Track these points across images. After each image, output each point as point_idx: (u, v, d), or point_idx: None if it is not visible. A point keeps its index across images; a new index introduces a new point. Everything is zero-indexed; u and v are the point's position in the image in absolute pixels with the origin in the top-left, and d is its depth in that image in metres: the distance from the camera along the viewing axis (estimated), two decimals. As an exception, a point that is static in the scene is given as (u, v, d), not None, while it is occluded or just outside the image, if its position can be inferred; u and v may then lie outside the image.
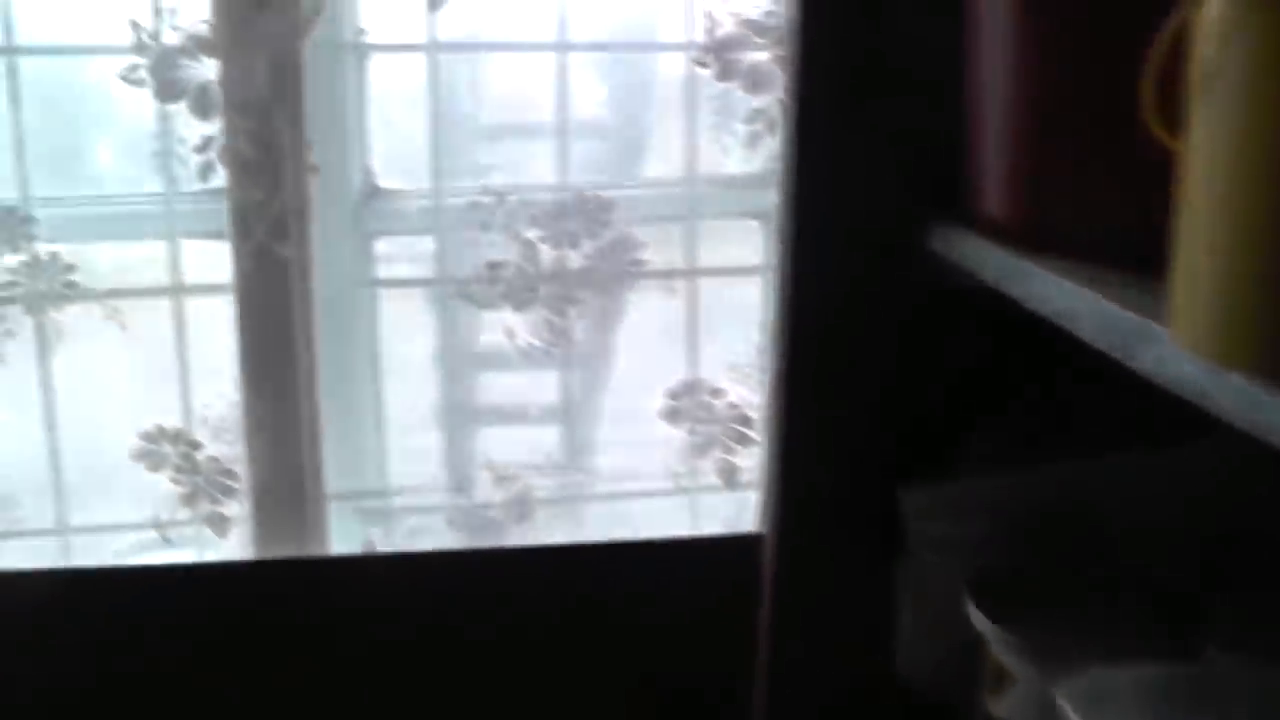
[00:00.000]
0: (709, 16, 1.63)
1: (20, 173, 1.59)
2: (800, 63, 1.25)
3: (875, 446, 1.33)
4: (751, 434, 1.73)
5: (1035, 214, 1.08)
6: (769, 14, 1.63)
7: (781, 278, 1.32)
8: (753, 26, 1.63)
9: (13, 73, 1.57)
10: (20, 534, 1.68)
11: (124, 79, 1.53)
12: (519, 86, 1.76)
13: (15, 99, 1.58)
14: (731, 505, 1.76)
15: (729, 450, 1.73)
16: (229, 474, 1.66)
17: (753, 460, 1.73)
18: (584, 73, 1.72)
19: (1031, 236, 1.07)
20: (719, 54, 1.64)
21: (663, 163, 1.76)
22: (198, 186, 1.58)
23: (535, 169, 1.70)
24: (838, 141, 1.26)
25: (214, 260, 1.62)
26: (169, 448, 1.65)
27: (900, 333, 1.30)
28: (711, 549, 1.66)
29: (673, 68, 1.72)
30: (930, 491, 1.26)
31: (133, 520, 1.68)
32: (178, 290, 1.65)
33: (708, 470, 1.75)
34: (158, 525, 1.67)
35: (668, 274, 1.72)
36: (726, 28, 1.63)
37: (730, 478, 1.74)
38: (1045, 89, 1.05)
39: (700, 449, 1.74)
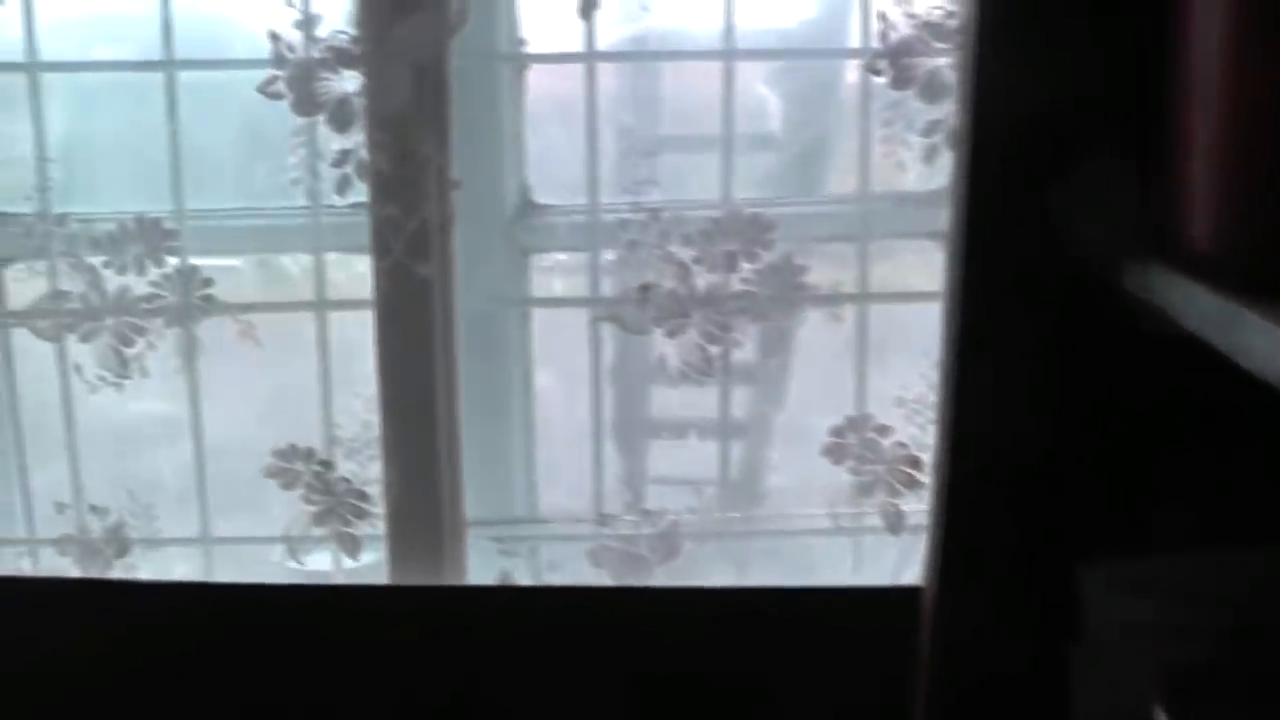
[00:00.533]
0: (883, 19, 1.50)
1: (176, 186, 1.57)
2: (976, 81, 1.11)
3: (1056, 509, 1.18)
4: (920, 478, 1.58)
5: (1254, 248, 0.92)
6: (949, 15, 1.48)
7: (954, 314, 1.18)
8: (930, 30, 1.49)
9: (171, 84, 1.55)
10: (158, 543, 1.66)
11: (262, 92, 1.49)
12: (682, 96, 1.66)
13: (173, 111, 1.56)
14: (897, 552, 1.62)
15: (895, 493, 1.59)
16: (362, 495, 1.60)
17: (921, 505, 1.59)
18: (749, 82, 1.61)
19: (1248, 276, 0.90)
20: (894, 60, 1.51)
21: (832, 177, 1.64)
22: (336, 201, 1.53)
23: (697, 183, 1.60)
24: (1015, 166, 1.12)
25: (356, 276, 1.57)
26: (301, 466, 1.60)
27: (1089, 384, 1.15)
28: (867, 600, 1.53)
29: (844, 75, 1.60)
30: (1116, 566, 1.11)
31: (266, 535, 1.65)
32: (320, 305, 1.61)
33: (872, 513, 1.62)
34: (289, 542, 1.62)
35: (833, 299, 1.58)
36: (902, 31, 1.49)
37: (895, 523, 1.60)
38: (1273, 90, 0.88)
39: (864, 490, 1.60)
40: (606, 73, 1.57)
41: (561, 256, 1.67)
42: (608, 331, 1.60)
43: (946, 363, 1.20)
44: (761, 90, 1.64)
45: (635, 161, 1.59)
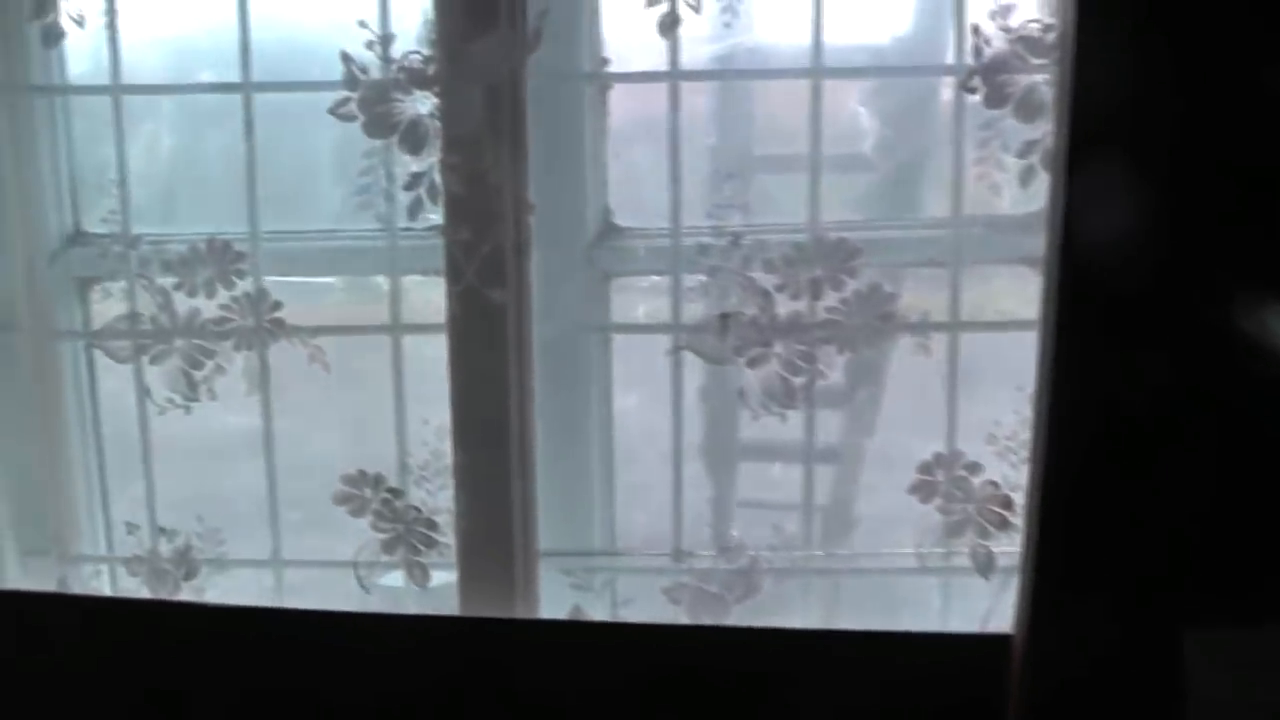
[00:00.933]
0: (977, 33, 1.42)
1: (251, 209, 1.55)
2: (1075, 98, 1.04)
3: (1161, 572, 1.11)
4: (1012, 519, 1.50)
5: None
6: (1046, 29, 1.40)
7: (1048, 346, 1.11)
8: (1027, 44, 1.41)
9: (247, 105, 1.54)
10: (224, 565, 1.65)
11: (333, 113, 1.46)
12: (769, 116, 1.60)
13: (249, 132, 1.54)
14: (986, 594, 1.54)
15: (985, 534, 1.51)
16: (430, 524, 1.57)
17: (1013, 547, 1.51)
18: (840, 101, 1.55)
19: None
20: (988, 77, 1.43)
21: (923, 199, 1.57)
22: (407, 224, 1.50)
23: (784, 206, 1.54)
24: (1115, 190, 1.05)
25: (426, 300, 1.54)
26: (370, 493, 1.57)
27: (1205, 436, 1.07)
28: (953, 647, 1.45)
29: (938, 93, 1.53)
30: (1225, 637, 1.03)
31: (334, 560, 1.62)
32: (393, 329, 1.58)
33: (961, 553, 1.54)
34: (356, 568, 1.60)
35: (922, 327, 1.51)
36: (997, 46, 1.42)
37: (986, 565, 1.52)
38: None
39: (953, 529, 1.53)
40: (692, 92, 1.52)
41: (643, 280, 1.61)
42: (690, 357, 1.54)
43: (1040, 396, 1.13)
44: (853, 109, 1.58)
45: (719, 183, 1.54)
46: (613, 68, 1.54)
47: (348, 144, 1.49)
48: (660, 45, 1.50)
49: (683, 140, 1.51)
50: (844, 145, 1.55)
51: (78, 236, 1.67)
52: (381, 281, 1.57)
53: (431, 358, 1.54)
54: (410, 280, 1.57)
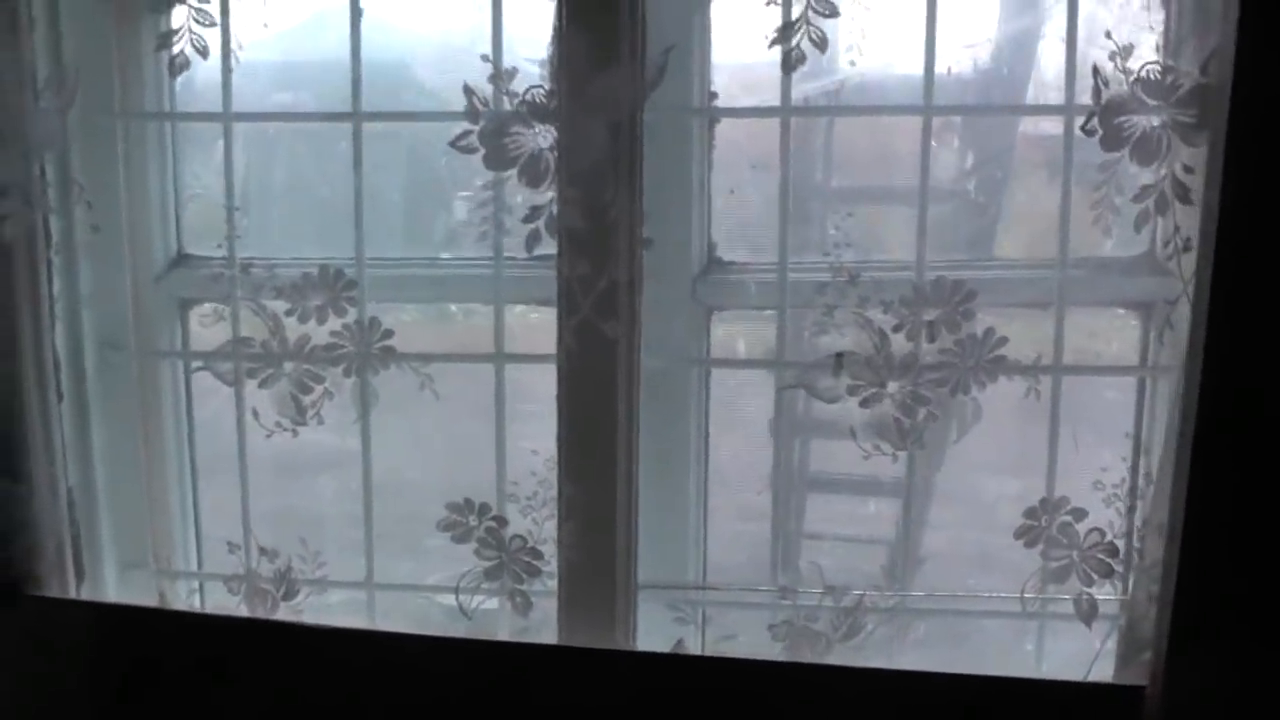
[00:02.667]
0: (1097, 74, 1.40)
1: (357, 238, 1.56)
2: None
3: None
4: (1117, 566, 1.49)
5: None
6: (1166, 70, 1.38)
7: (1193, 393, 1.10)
8: (1146, 87, 1.39)
9: (356, 135, 1.55)
10: (323, 585, 1.66)
11: (454, 146, 1.47)
12: (870, 152, 1.60)
13: (358, 162, 1.55)
14: (1085, 643, 1.53)
15: (1089, 581, 1.50)
16: (535, 554, 1.57)
17: (1114, 595, 1.50)
18: (946, 138, 1.55)
19: None
20: (1106, 118, 1.41)
21: (1028, 241, 1.56)
22: (538, 254, 1.50)
23: (889, 244, 1.53)
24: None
25: (535, 331, 1.54)
26: (474, 520, 1.58)
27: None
28: (1079, 696, 1.42)
29: (1046, 131, 1.52)
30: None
31: (434, 584, 1.64)
32: (501, 358, 1.58)
33: (1065, 599, 1.52)
34: (457, 594, 1.60)
35: (1034, 370, 1.49)
36: (1115, 89, 1.40)
37: (1089, 613, 1.50)
38: None
39: (1056, 575, 1.51)
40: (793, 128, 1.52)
41: (747, 315, 1.61)
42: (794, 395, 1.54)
43: (1184, 443, 1.12)
44: (954, 146, 1.58)
45: (826, 219, 1.54)
46: (723, 102, 1.54)
47: (453, 176, 1.50)
48: (764, 81, 1.51)
49: (788, 175, 1.51)
50: (948, 183, 1.55)
51: (181, 259, 1.70)
52: (483, 310, 1.57)
53: (529, 386, 1.55)
54: (515, 310, 1.57)
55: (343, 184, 1.56)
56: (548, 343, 1.51)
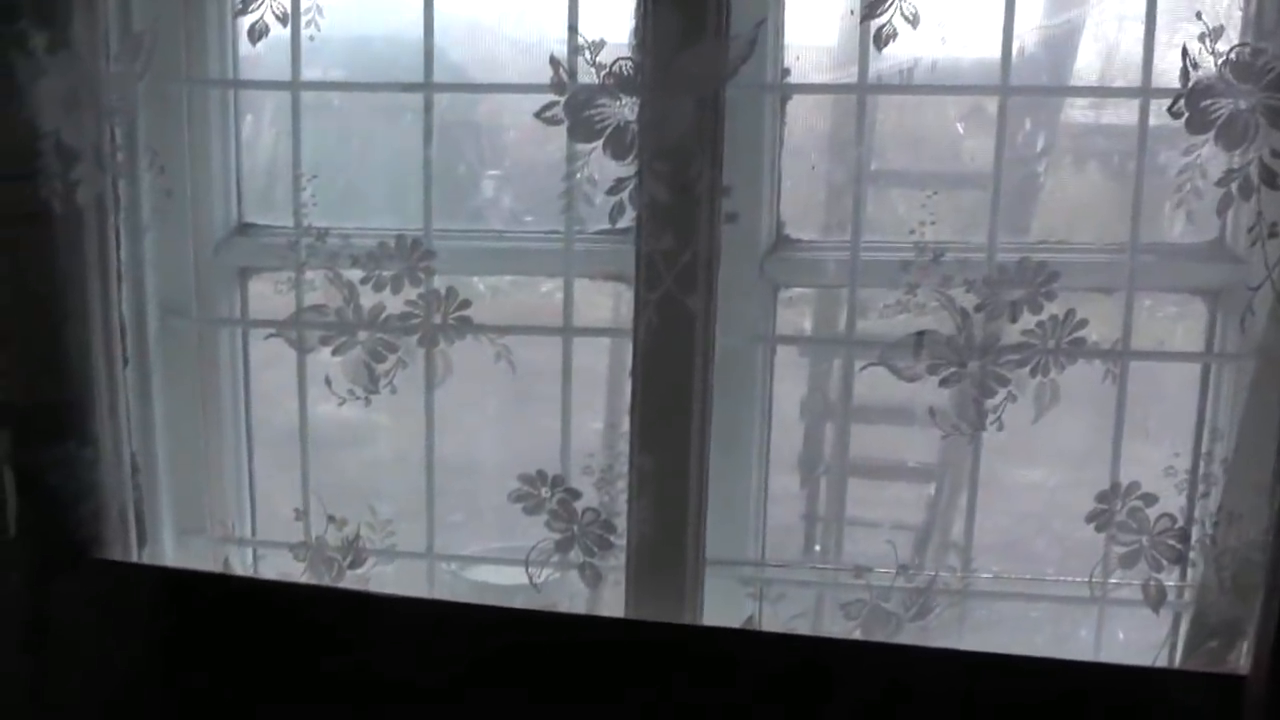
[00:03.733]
0: (1185, 55, 1.38)
1: (426, 207, 1.56)
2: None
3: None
4: (1187, 553, 1.49)
5: None
6: (1256, 52, 1.36)
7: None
8: (1236, 69, 1.37)
9: (429, 108, 1.55)
10: (392, 555, 1.67)
11: (539, 117, 1.47)
12: (942, 132, 1.60)
13: (429, 134, 1.55)
14: (1154, 629, 1.53)
15: (1158, 567, 1.50)
16: (608, 526, 1.57)
17: (1184, 582, 1.51)
18: (1021, 119, 1.54)
19: None
20: (1193, 101, 1.39)
21: (1100, 224, 1.56)
22: (604, 228, 1.50)
23: (960, 224, 1.53)
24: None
25: (611, 304, 1.55)
26: (547, 493, 1.58)
27: None
28: (1174, 683, 1.42)
29: (1123, 114, 1.52)
30: None
31: (506, 557, 1.64)
32: (570, 331, 1.58)
33: (1134, 584, 1.52)
34: (526, 566, 1.60)
35: (1110, 354, 1.49)
36: (1205, 70, 1.38)
37: (1157, 599, 1.51)
38: None
39: (1126, 561, 1.51)
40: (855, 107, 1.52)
41: (815, 293, 1.61)
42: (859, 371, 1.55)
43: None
44: (1032, 128, 1.58)
45: (897, 198, 1.54)
46: (798, 78, 1.53)
47: (546, 147, 1.49)
48: (835, 57, 1.50)
49: (859, 153, 1.51)
50: (1020, 165, 1.55)
51: (242, 228, 1.71)
52: (566, 284, 1.57)
53: (612, 363, 1.55)
54: (592, 285, 1.57)
55: (414, 155, 1.56)
56: (612, 317, 1.51)
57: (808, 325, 1.64)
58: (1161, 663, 1.50)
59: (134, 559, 1.69)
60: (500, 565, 1.65)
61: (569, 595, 1.61)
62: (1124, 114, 1.53)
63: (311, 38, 1.57)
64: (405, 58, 1.56)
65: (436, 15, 1.54)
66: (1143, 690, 1.42)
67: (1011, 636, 1.57)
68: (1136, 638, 1.55)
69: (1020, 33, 1.48)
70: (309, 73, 1.60)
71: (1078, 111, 1.60)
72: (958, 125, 1.58)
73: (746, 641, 1.53)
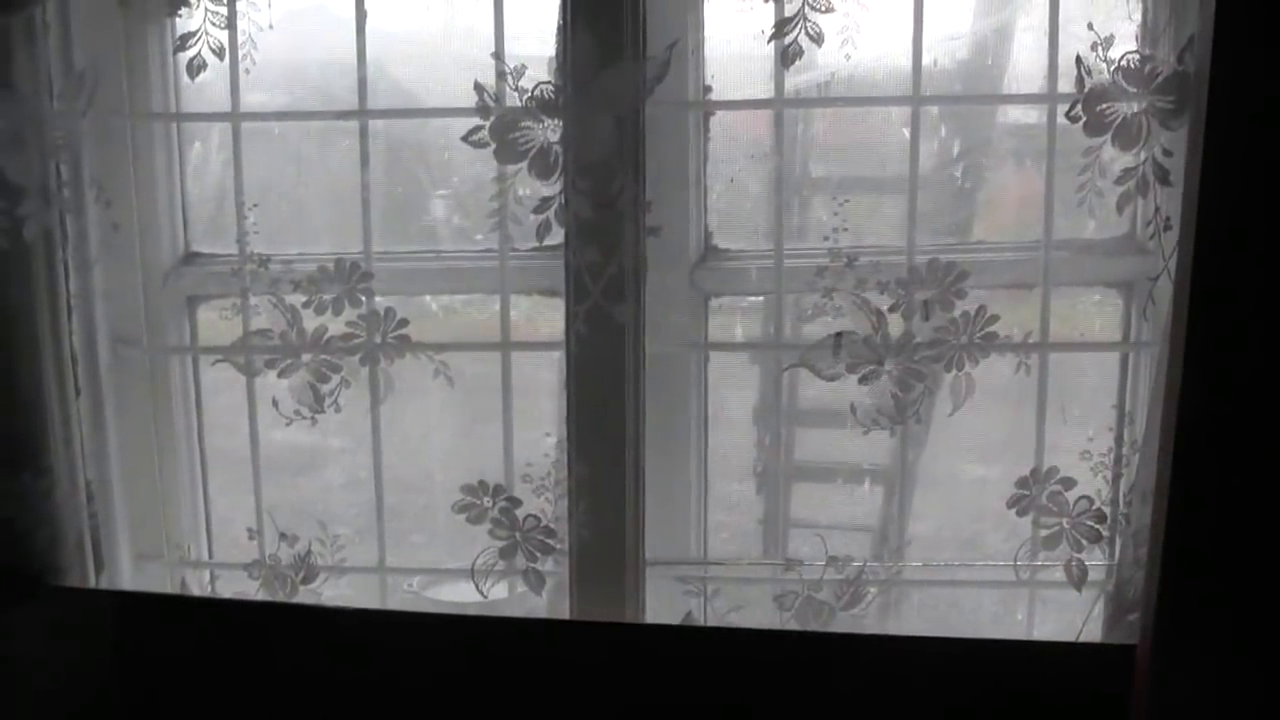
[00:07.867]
0: (1080, 63, 1.47)
1: (365, 230, 1.62)
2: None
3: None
4: (1105, 532, 1.56)
5: None
6: (1145, 58, 1.45)
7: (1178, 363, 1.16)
8: (1127, 75, 1.46)
9: (364, 133, 1.60)
10: (342, 570, 1.72)
11: (466, 141, 1.53)
12: (859, 141, 1.66)
13: (365, 159, 1.60)
14: (1076, 608, 1.60)
15: (1078, 547, 1.57)
16: (549, 532, 1.63)
17: (1103, 561, 1.58)
18: (933, 126, 1.61)
19: None
20: (1089, 106, 1.48)
21: (1014, 224, 1.62)
22: (533, 245, 1.56)
23: (877, 229, 1.60)
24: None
25: (543, 318, 1.60)
26: (489, 501, 1.63)
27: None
28: (1071, 657, 1.49)
29: (1030, 119, 1.59)
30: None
31: (450, 567, 1.69)
32: (507, 346, 1.64)
33: (1055, 566, 1.59)
34: (473, 575, 1.65)
35: (1023, 347, 1.56)
36: (1098, 77, 1.47)
37: (1079, 578, 1.58)
38: None
39: (1048, 543, 1.58)
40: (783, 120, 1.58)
41: (741, 301, 1.67)
42: (785, 373, 1.61)
43: (1169, 413, 1.18)
44: (940, 135, 1.64)
45: (825, 206, 1.60)
46: (719, 95, 1.59)
47: (476, 169, 1.55)
48: (756, 73, 1.57)
49: (781, 164, 1.57)
50: (933, 170, 1.61)
51: (189, 257, 1.75)
52: (500, 300, 1.63)
53: (545, 374, 1.60)
54: (515, 299, 1.63)
55: (351, 180, 1.61)
56: (551, 331, 1.57)
57: (739, 332, 1.69)
58: (1087, 639, 1.57)
59: (91, 585, 1.72)
60: (457, 582, 1.69)
61: (521, 608, 1.66)
62: (1035, 116, 1.60)
63: (248, 70, 1.61)
64: (344, 80, 1.61)
65: (377, 32, 1.58)
66: (1040, 664, 1.49)
67: (946, 620, 1.63)
68: (1068, 617, 1.61)
69: (930, 44, 1.55)
70: (253, 98, 1.64)
71: (992, 117, 1.66)
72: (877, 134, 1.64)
73: (681, 636, 1.58)
